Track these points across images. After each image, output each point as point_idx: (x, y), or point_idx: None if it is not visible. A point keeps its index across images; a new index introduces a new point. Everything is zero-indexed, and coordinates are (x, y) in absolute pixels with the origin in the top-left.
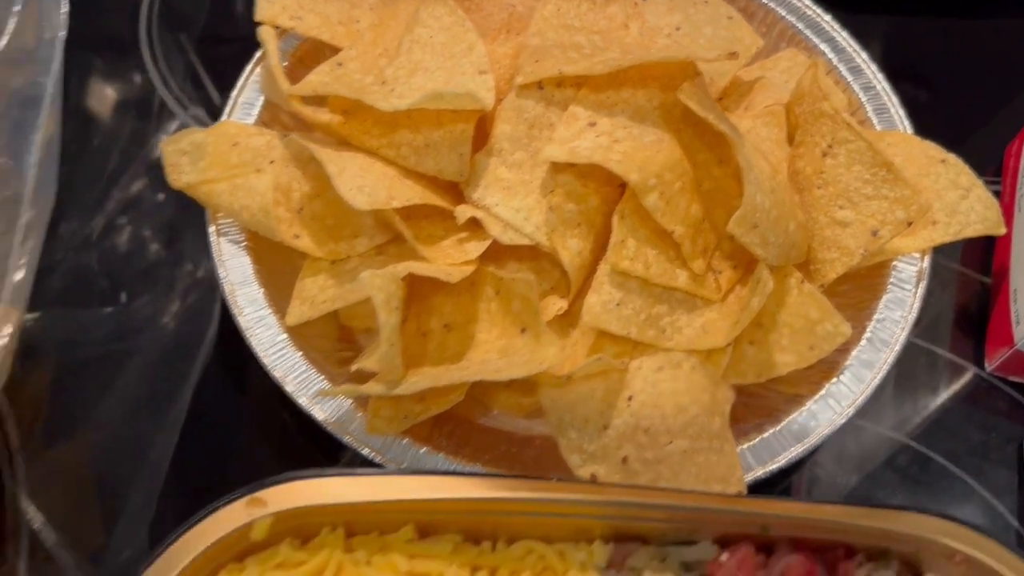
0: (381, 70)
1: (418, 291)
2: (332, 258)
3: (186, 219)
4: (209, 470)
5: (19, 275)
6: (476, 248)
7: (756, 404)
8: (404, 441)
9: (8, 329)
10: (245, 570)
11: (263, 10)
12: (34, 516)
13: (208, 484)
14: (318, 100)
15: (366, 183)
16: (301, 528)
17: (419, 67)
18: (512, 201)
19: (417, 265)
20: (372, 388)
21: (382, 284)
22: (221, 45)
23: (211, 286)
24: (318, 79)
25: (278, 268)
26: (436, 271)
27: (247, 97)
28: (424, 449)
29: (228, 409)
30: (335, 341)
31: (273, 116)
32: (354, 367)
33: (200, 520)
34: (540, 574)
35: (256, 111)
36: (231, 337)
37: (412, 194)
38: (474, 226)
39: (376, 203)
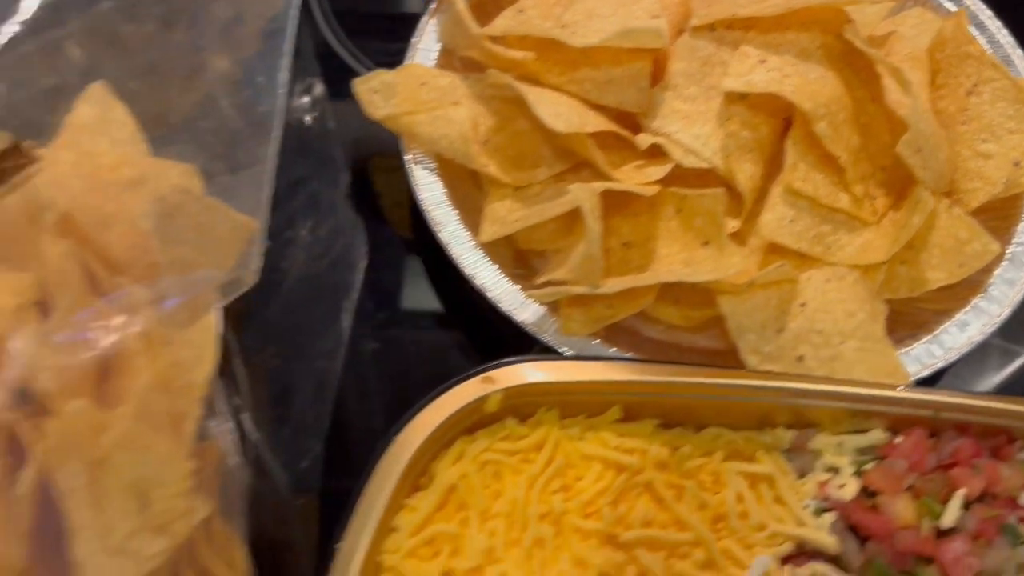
0: (558, 17)
1: None
2: (516, 184)
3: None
4: (376, 381)
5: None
6: (658, 172)
7: (905, 318)
8: (595, 342)
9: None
10: (476, 440)
11: None
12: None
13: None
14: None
15: (561, 111)
16: (520, 408)
17: (594, 14)
18: (691, 129)
19: (614, 184)
20: (577, 288)
21: (588, 196)
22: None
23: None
24: (506, 23)
25: (462, 194)
26: (631, 187)
27: (424, 44)
28: (613, 350)
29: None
30: (511, 262)
31: (447, 62)
32: (543, 279)
33: (440, 394)
34: (730, 455)
35: (433, 57)
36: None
37: (599, 122)
38: (649, 155)
39: (572, 127)
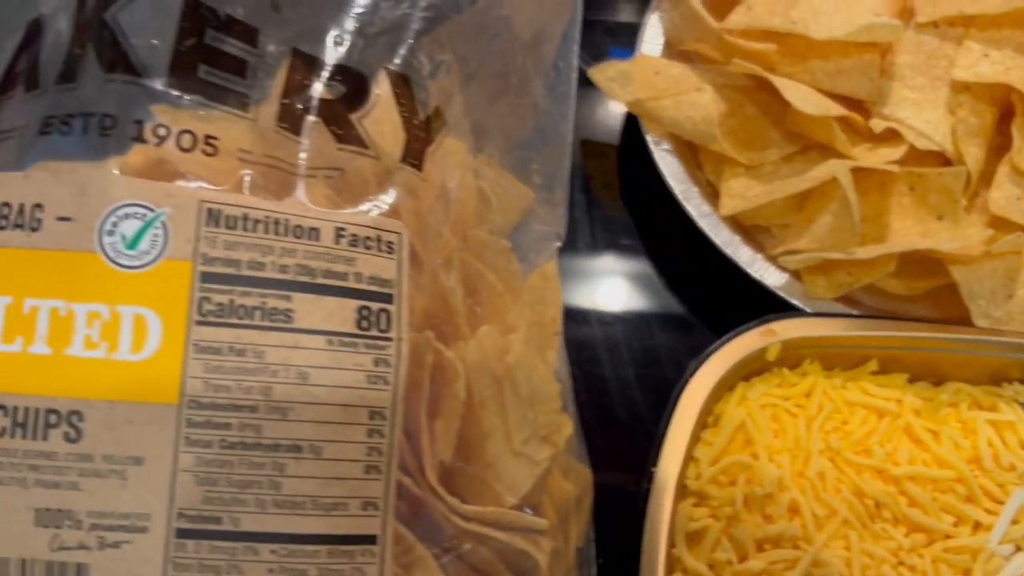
0: (784, 13)
1: None
2: (749, 164)
3: None
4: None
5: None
6: (894, 153)
7: None
8: (839, 307)
9: None
10: (754, 387)
11: None
12: None
13: None
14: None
15: (806, 97)
16: (787, 359)
17: (819, 11)
18: (922, 115)
19: (861, 161)
20: (831, 254)
21: (844, 170)
22: None
23: None
24: (740, 18)
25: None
26: (878, 165)
27: (648, 37)
28: (856, 312)
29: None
30: None
31: (670, 55)
32: (781, 249)
33: (725, 343)
34: (971, 407)
35: (658, 50)
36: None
37: (837, 109)
38: (876, 139)
39: (819, 111)
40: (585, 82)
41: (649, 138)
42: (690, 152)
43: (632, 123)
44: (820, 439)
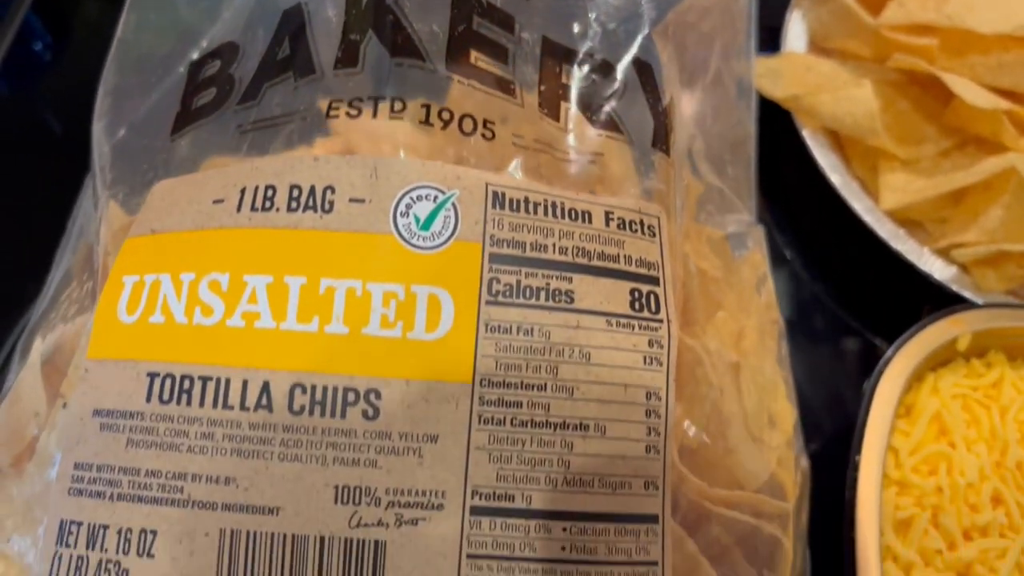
0: (938, 8)
1: None
2: (906, 158)
3: None
4: None
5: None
6: None
7: None
8: (1011, 299)
9: None
10: (943, 377)
11: None
12: None
13: None
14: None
15: (974, 90)
16: (973, 349)
17: (975, 6)
18: None
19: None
20: (1010, 246)
21: (1023, 161)
22: None
23: None
24: (894, 14)
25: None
26: None
27: (792, 34)
28: None
29: None
30: None
31: (813, 52)
32: (946, 242)
33: (916, 333)
34: None
35: (802, 47)
36: None
37: (1005, 103)
38: None
39: (990, 104)
40: None
41: (805, 132)
42: (838, 149)
43: (771, 124)
44: (1016, 429)
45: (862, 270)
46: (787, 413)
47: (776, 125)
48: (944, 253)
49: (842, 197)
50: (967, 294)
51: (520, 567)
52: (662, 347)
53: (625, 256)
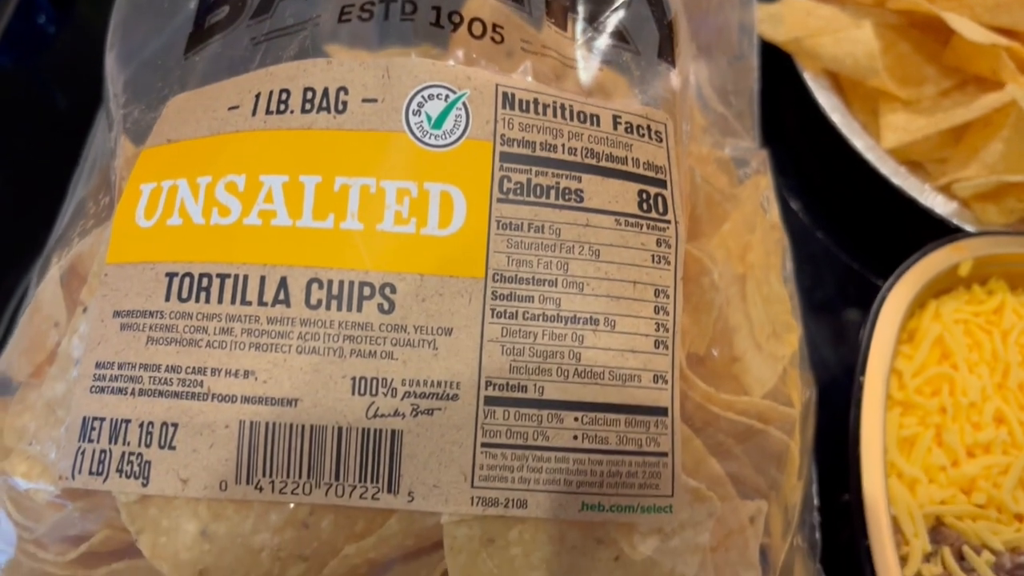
0: None
1: None
2: (907, 99)
3: None
4: None
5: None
6: None
7: None
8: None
9: None
10: (945, 303)
11: None
12: None
13: None
14: None
15: (973, 27)
16: (974, 277)
17: None
18: None
19: None
20: (1010, 177)
21: (1022, 93)
22: None
23: None
24: None
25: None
26: None
27: None
28: None
29: None
30: None
31: None
32: (947, 179)
33: (917, 260)
34: None
35: None
36: None
37: (1004, 39)
38: None
39: (991, 40)
40: None
41: (807, 75)
42: (840, 93)
43: (774, 68)
44: (1017, 352)
45: (865, 209)
46: (792, 328)
47: (778, 71)
48: (945, 190)
49: (844, 136)
50: (968, 228)
51: (533, 455)
52: (670, 247)
53: (633, 159)
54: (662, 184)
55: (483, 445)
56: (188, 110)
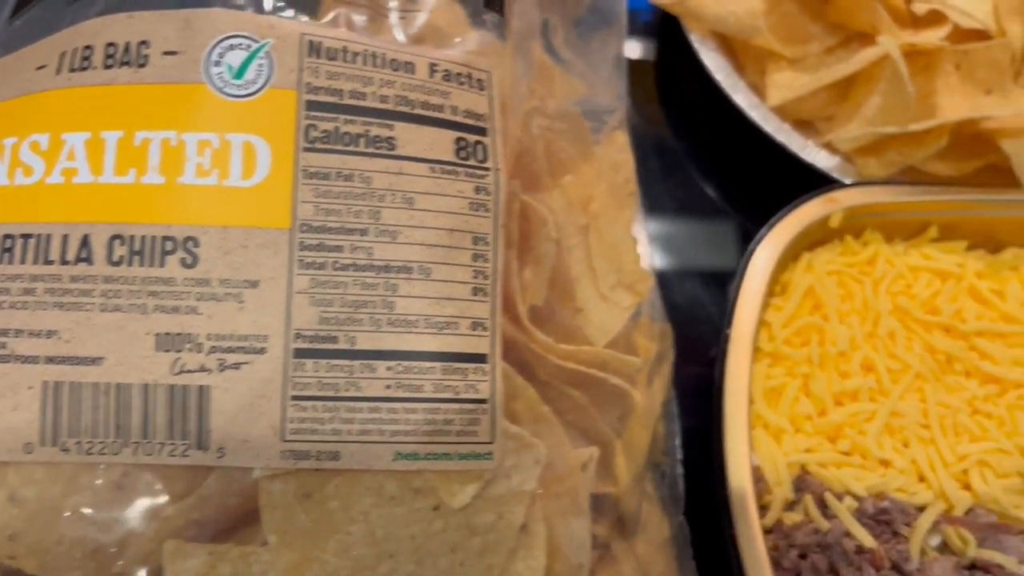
0: None
1: None
2: (792, 57)
3: None
4: None
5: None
6: (937, 33)
7: None
8: None
9: None
10: (819, 255)
11: None
12: None
13: None
14: None
15: None
16: (849, 229)
17: None
18: None
19: (912, 38)
20: (887, 129)
21: (894, 44)
22: None
23: None
24: None
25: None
26: (926, 42)
27: None
28: None
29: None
30: None
31: None
32: (830, 136)
33: (789, 212)
34: None
35: None
36: None
37: None
38: (920, 23)
39: None
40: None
41: (692, 36)
42: (731, 55)
43: (669, 34)
44: (888, 301)
45: (754, 168)
46: (642, 277)
47: (674, 34)
48: (829, 146)
49: (727, 94)
50: (847, 181)
51: (345, 406)
52: (489, 194)
53: (451, 106)
54: (482, 132)
55: (293, 398)
56: (3, 73)
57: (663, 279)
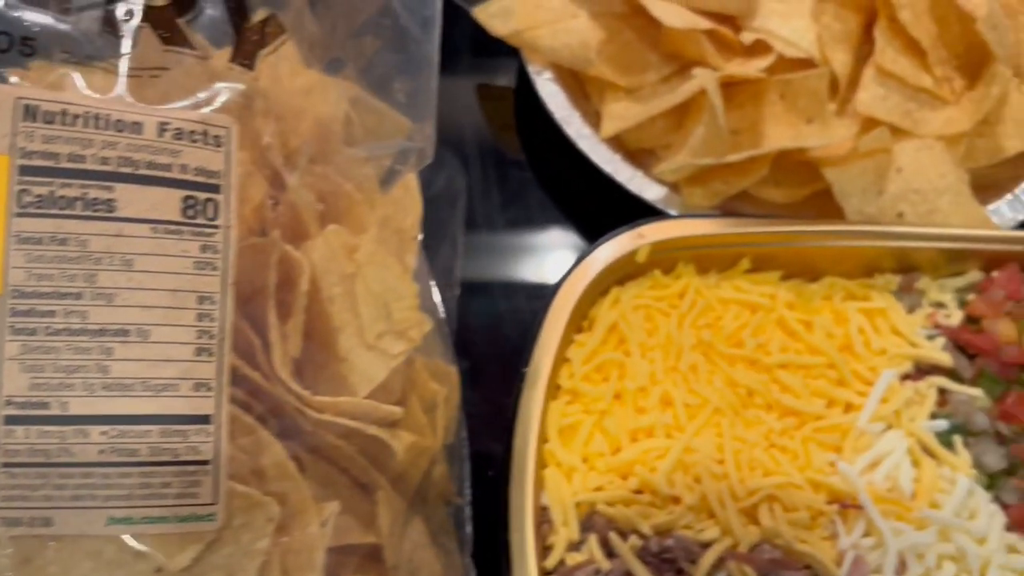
0: None
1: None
2: (628, 87)
3: None
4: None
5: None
6: (762, 63)
7: (985, 182)
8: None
9: None
10: (628, 289)
11: None
12: None
13: None
14: None
15: (672, 11)
16: (661, 263)
17: None
18: (788, 24)
19: (730, 69)
20: (704, 160)
21: (711, 78)
22: None
23: None
24: None
25: (574, 102)
26: (745, 72)
27: None
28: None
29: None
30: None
31: None
32: (662, 166)
33: (597, 247)
34: (845, 299)
35: None
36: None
37: (706, 23)
38: (748, 52)
39: (687, 24)
40: (482, 32)
41: (531, 68)
42: (576, 83)
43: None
44: (692, 334)
45: (592, 195)
46: (416, 323)
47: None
48: (657, 175)
49: (559, 126)
50: (672, 212)
51: (57, 472)
52: (217, 252)
53: (180, 165)
54: (214, 189)
55: (3, 465)
56: None
57: (495, 314)
